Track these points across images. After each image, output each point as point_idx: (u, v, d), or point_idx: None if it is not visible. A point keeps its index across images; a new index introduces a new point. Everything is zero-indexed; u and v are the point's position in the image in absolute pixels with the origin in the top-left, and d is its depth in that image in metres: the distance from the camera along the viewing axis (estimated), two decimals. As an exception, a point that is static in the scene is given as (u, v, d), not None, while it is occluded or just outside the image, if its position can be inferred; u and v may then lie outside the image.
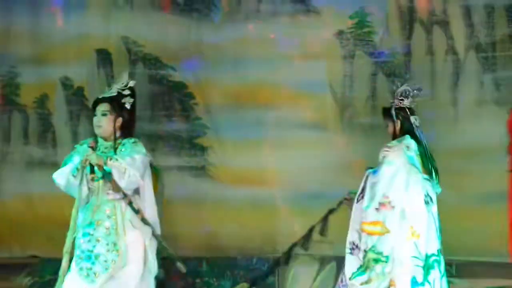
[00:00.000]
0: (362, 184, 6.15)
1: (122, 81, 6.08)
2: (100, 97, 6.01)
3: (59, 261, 5.80)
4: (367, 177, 6.12)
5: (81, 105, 8.62)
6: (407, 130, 6.19)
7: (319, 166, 8.23)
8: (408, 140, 6.13)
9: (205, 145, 8.57)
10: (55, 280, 5.86)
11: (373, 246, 5.88)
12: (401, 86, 6.32)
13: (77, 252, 5.82)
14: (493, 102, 8.22)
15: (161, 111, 8.59)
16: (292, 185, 8.29)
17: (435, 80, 8.31)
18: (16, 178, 8.69)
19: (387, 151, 6.09)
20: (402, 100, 6.25)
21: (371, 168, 6.14)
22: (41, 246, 8.46)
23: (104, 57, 8.62)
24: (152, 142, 8.52)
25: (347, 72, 8.42)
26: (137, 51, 8.59)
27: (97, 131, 5.98)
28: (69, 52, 8.62)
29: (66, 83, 8.63)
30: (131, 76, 8.47)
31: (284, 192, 8.35)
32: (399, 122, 6.21)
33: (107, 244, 5.80)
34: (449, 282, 6.17)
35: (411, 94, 6.28)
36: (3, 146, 8.70)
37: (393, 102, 6.24)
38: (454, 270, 7.76)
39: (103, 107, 5.95)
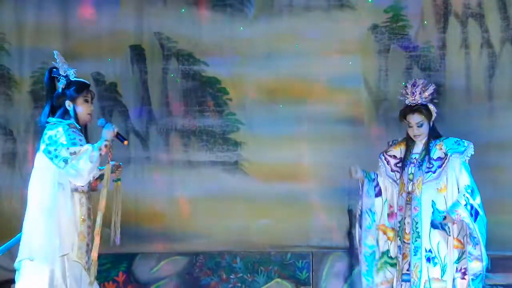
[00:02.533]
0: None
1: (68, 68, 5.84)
2: (88, 83, 5.75)
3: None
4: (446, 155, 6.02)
5: (114, 101, 8.62)
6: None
7: (353, 161, 8.16)
8: None
9: (238, 140, 8.55)
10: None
11: None
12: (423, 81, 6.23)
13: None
14: (529, 95, 8.21)
15: (194, 106, 8.58)
16: (326, 180, 8.25)
17: (470, 74, 8.27)
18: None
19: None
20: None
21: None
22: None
23: (137, 53, 8.62)
24: (185, 137, 8.53)
25: (381, 66, 8.39)
26: (170, 46, 8.59)
27: (88, 118, 5.70)
28: (102, 48, 8.61)
29: (98, 79, 8.63)
30: (164, 71, 8.64)
31: (317, 187, 8.32)
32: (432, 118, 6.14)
33: (88, 244, 5.53)
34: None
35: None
36: (36, 142, 8.71)
37: (428, 98, 6.13)
38: (489, 264, 7.69)
39: (90, 94, 5.71)
